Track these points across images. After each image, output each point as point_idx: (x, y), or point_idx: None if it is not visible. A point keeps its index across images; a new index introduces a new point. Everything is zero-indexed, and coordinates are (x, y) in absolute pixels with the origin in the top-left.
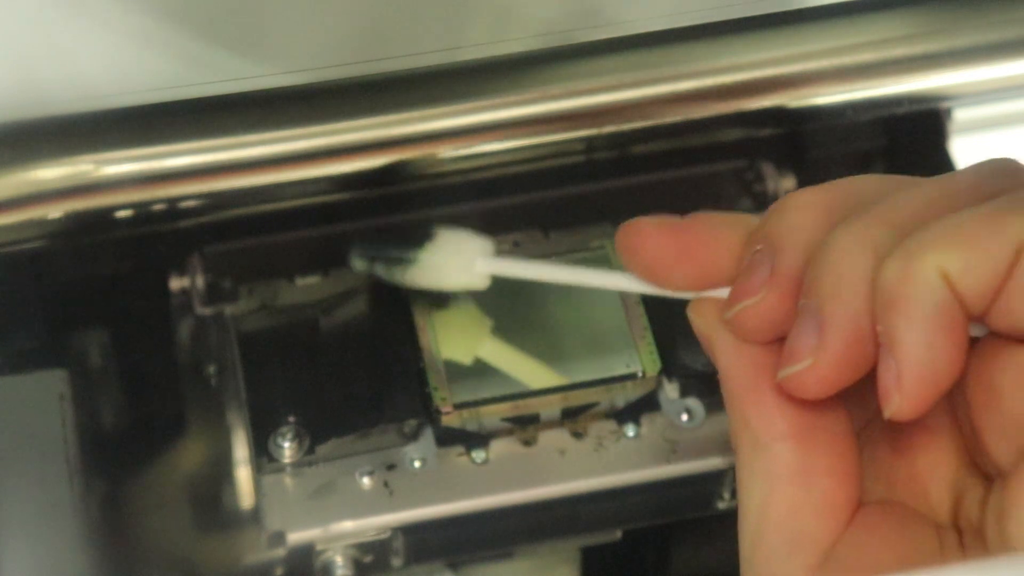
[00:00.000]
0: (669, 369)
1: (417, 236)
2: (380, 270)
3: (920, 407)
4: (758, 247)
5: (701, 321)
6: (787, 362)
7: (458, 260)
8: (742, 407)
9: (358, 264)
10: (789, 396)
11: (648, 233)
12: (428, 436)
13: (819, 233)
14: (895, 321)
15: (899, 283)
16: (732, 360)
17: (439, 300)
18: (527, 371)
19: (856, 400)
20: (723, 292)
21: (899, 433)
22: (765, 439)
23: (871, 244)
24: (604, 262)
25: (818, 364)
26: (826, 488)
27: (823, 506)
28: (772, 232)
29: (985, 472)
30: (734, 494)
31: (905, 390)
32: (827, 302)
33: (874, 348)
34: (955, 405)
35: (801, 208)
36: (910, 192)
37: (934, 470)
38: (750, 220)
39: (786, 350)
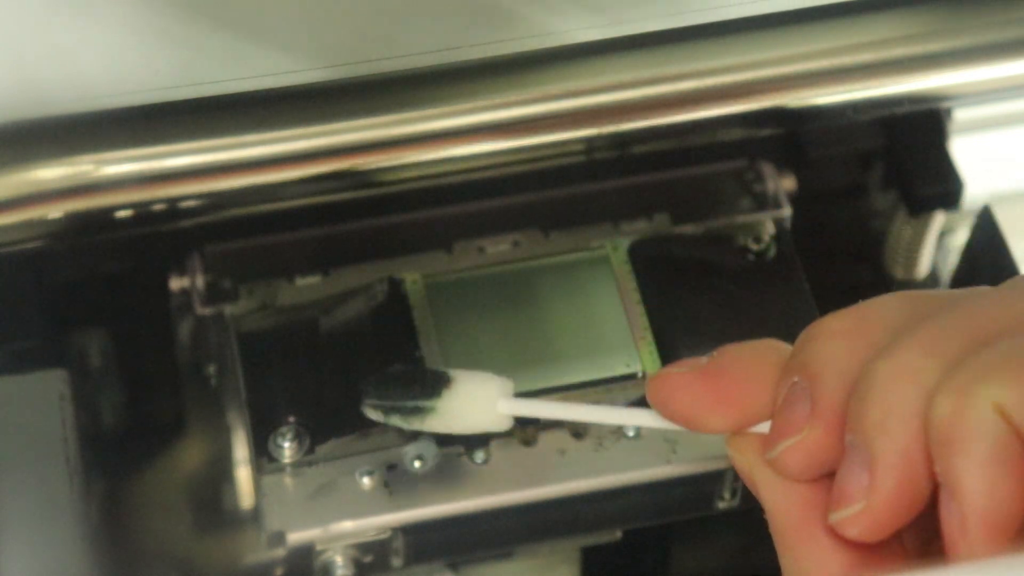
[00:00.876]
0: None
1: (433, 383)
2: (396, 420)
3: (987, 550)
4: (794, 379)
5: (741, 459)
6: (838, 505)
7: (478, 405)
8: (793, 548)
9: (372, 414)
10: (834, 507)
11: (678, 383)
12: (428, 436)
13: (856, 361)
14: (954, 462)
15: (955, 421)
16: (779, 499)
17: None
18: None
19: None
20: (764, 427)
21: None
22: None
23: (916, 374)
24: (604, 262)
25: (871, 506)
26: None
27: None
28: (807, 363)
29: None
30: (734, 494)
31: (971, 535)
32: (876, 439)
33: (928, 485)
34: None
35: (834, 335)
36: (945, 316)
37: None
38: (781, 347)
39: (835, 492)
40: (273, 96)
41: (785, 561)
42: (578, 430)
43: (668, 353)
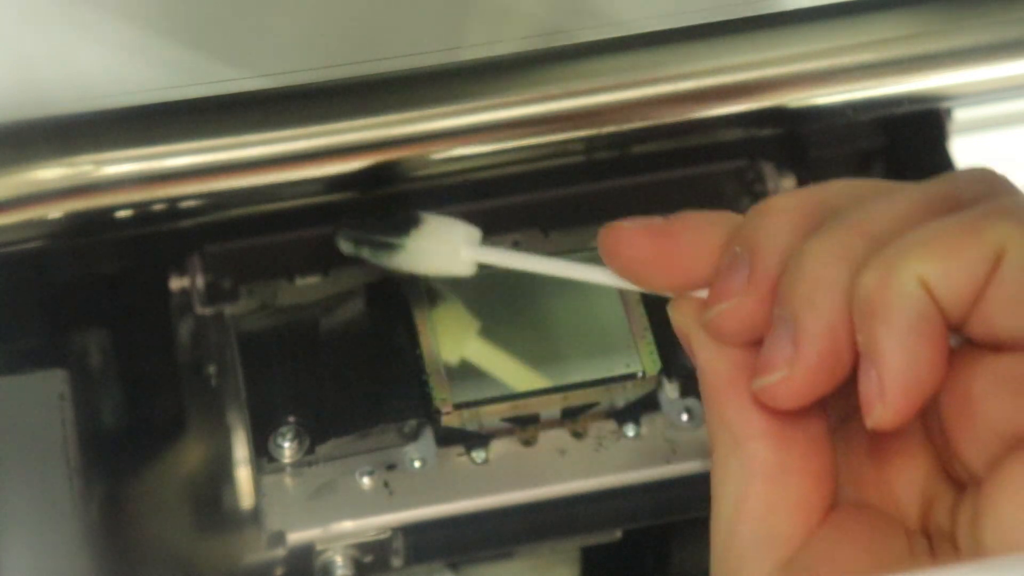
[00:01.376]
0: (669, 369)
1: (404, 222)
2: (366, 253)
3: (903, 417)
4: (736, 249)
5: (681, 320)
6: (761, 372)
7: (444, 247)
8: (719, 405)
9: (344, 246)
10: (758, 374)
11: (628, 236)
12: (428, 436)
13: (797, 239)
14: (876, 331)
15: (879, 292)
16: (710, 359)
17: (436, 300)
18: (512, 373)
19: (831, 399)
20: (704, 293)
21: (871, 437)
22: (742, 437)
23: (846, 253)
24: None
25: (793, 375)
26: (801, 487)
27: (797, 505)
28: (750, 236)
29: (956, 479)
30: None
31: (888, 400)
32: (801, 312)
33: (850, 358)
34: (927, 412)
35: (780, 212)
36: (887, 200)
37: (904, 475)
38: (732, 219)
39: (760, 360)
40: (273, 96)
41: (711, 418)
42: (578, 430)
43: (668, 353)
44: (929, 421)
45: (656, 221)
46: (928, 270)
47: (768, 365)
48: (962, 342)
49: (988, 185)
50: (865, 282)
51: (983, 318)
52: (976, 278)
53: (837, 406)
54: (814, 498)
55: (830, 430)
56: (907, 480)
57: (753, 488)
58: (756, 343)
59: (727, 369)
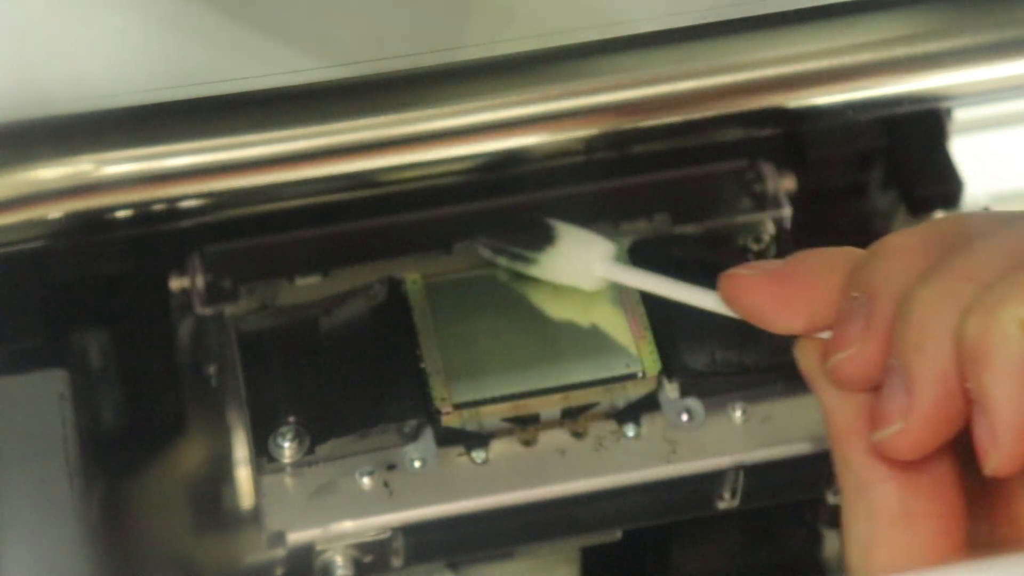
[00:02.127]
0: (669, 369)
1: (542, 234)
2: (503, 261)
3: (1019, 462)
4: (854, 295)
5: (805, 363)
6: (879, 425)
7: (578, 263)
8: (844, 450)
9: (484, 252)
10: (875, 427)
11: (747, 283)
12: (428, 436)
13: (913, 281)
14: (983, 377)
15: (981, 337)
16: (834, 404)
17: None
18: (636, 348)
19: (961, 435)
20: (829, 334)
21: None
22: (867, 481)
23: (953, 298)
24: None
25: (910, 426)
26: (929, 530)
27: (927, 548)
28: (867, 279)
29: None
30: (734, 494)
31: (1001, 447)
32: (913, 360)
33: (965, 404)
34: None
35: (895, 253)
36: (993, 240)
37: None
38: (851, 257)
39: (876, 412)
40: (273, 96)
41: (837, 461)
42: (578, 430)
43: (668, 353)
44: None
45: (774, 266)
46: None
47: (885, 417)
48: None
49: None
50: (969, 328)
51: None
52: None
53: (967, 442)
54: (944, 540)
55: (959, 470)
56: None
57: (881, 532)
58: (879, 387)
59: (851, 413)
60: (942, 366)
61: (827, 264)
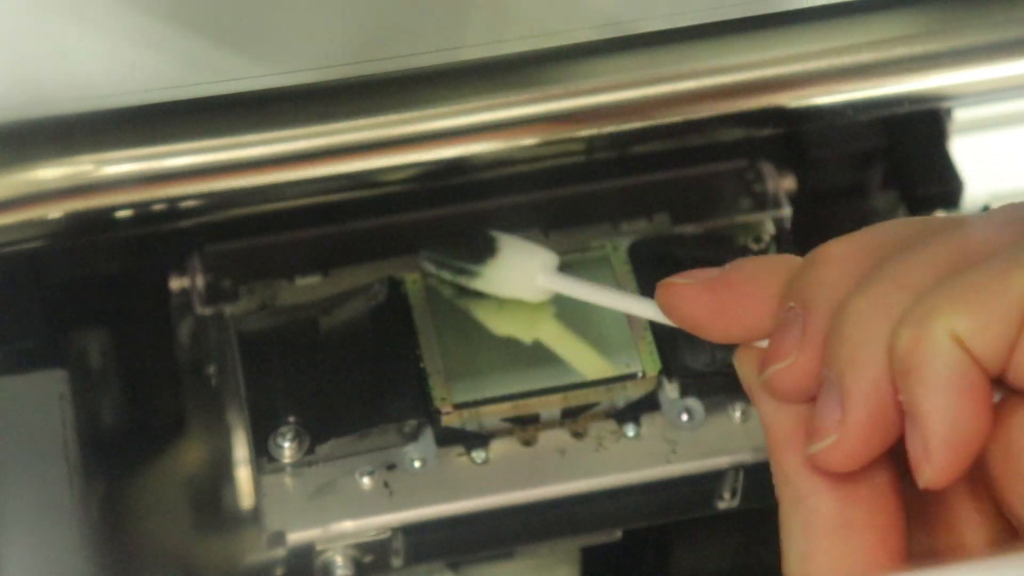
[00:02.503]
0: (669, 369)
1: (483, 247)
2: (446, 275)
3: (952, 475)
4: (790, 304)
5: (743, 372)
6: (813, 438)
7: (520, 275)
8: (781, 461)
9: (426, 266)
10: (810, 440)
11: (684, 292)
12: (428, 436)
13: (847, 290)
14: (914, 390)
15: (912, 350)
16: (772, 414)
17: (436, 300)
18: (583, 360)
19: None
20: (766, 343)
21: None
22: (804, 492)
23: (885, 309)
24: (604, 262)
25: (843, 439)
26: (867, 540)
27: (865, 559)
28: (803, 288)
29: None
30: (734, 494)
31: (934, 461)
32: (845, 373)
33: (900, 416)
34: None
35: (831, 262)
36: (925, 247)
37: (969, 520)
38: (788, 264)
39: (810, 425)
40: (273, 96)
41: (775, 473)
42: (578, 430)
43: (668, 353)
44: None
45: (711, 274)
46: (959, 324)
47: (819, 431)
48: (1006, 394)
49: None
50: (900, 340)
51: (1020, 368)
52: (1008, 328)
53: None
54: (883, 550)
55: (896, 479)
56: (973, 526)
57: (818, 543)
58: (814, 397)
59: (788, 425)
60: (875, 378)
61: (764, 272)
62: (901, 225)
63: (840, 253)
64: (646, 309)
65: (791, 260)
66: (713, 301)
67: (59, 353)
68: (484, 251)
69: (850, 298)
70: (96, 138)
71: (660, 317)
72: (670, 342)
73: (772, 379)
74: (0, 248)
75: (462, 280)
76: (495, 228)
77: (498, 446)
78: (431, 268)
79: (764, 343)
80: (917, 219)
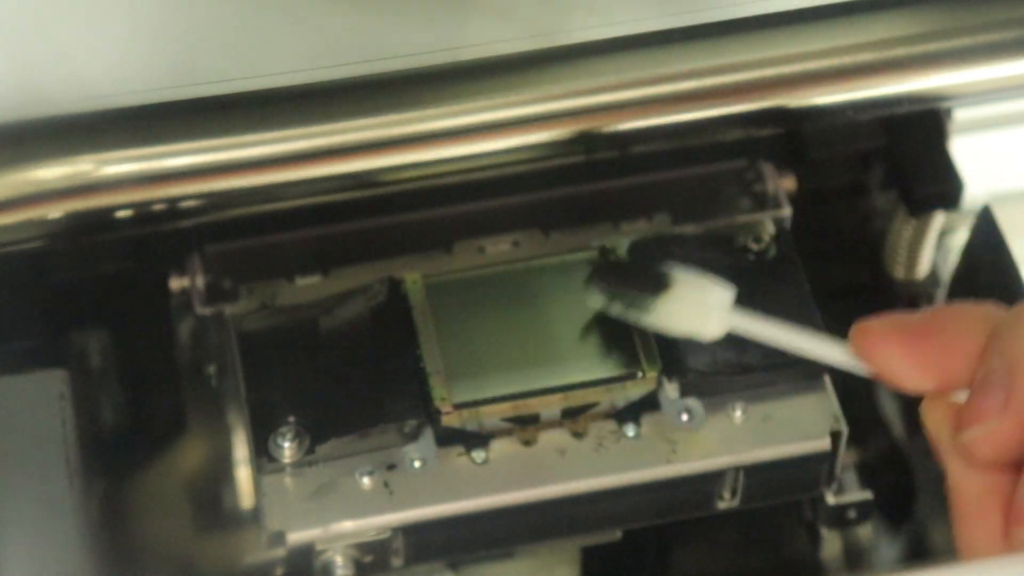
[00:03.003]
0: (669, 369)
1: (656, 279)
2: (617, 308)
3: None
4: (994, 363)
5: (933, 426)
6: (971, 422)
7: (696, 311)
8: (968, 528)
9: (595, 299)
10: (1018, 522)
11: (881, 336)
12: (428, 436)
13: None
14: None
15: None
16: (961, 478)
17: (436, 300)
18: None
19: None
20: (962, 395)
21: None
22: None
23: None
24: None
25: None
26: None
27: None
28: (1010, 347)
29: None
30: (734, 494)
31: None
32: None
33: None
34: None
35: None
36: None
37: None
38: (993, 315)
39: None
40: (273, 96)
41: (958, 536)
42: (578, 430)
43: (668, 353)
44: None
45: (911, 320)
46: None
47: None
48: None
49: None
50: None
51: None
52: None
53: None
54: None
55: None
56: None
57: None
58: (1011, 465)
59: (978, 492)
60: None
61: (968, 321)
62: None
63: None
64: (833, 352)
65: (995, 312)
66: (910, 347)
67: (59, 353)
68: (657, 285)
69: None
70: (96, 138)
71: (848, 363)
72: (670, 342)
73: (971, 443)
74: (0, 248)
75: (633, 314)
76: (672, 263)
77: (498, 446)
78: (600, 301)
79: (960, 395)
80: None
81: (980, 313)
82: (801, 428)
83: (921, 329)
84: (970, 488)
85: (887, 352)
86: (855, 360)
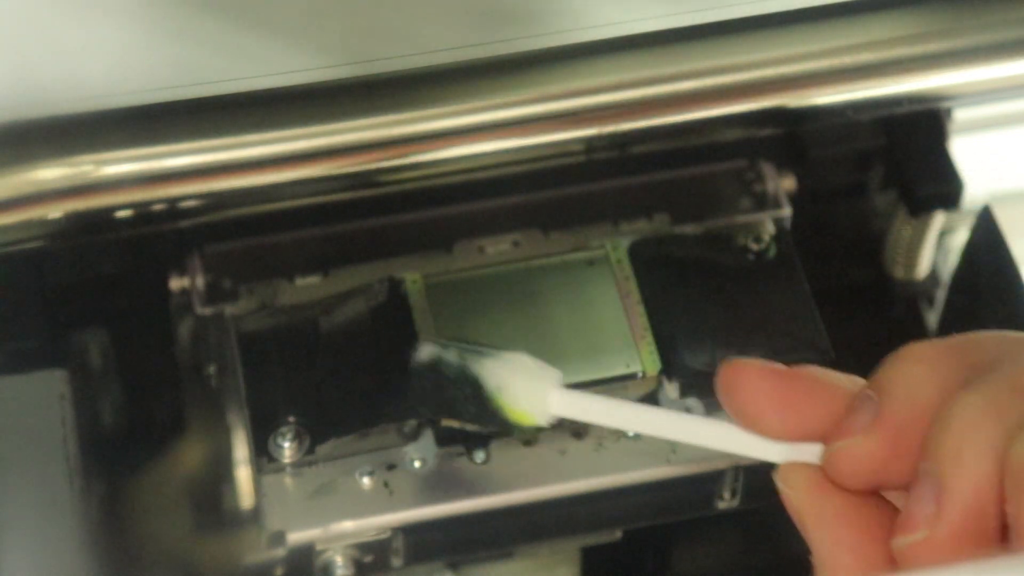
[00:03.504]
0: (669, 369)
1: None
2: (451, 355)
3: None
4: (867, 392)
5: (791, 490)
6: (902, 531)
7: (530, 381)
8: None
9: (426, 352)
10: (902, 531)
11: (750, 374)
12: (428, 436)
13: (932, 387)
14: None
15: None
16: (829, 547)
17: (436, 300)
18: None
19: None
20: (813, 453)
21: None
22: None
23: (1000, 413)
24: (603, 262)
25: (934, 537)
26: None
27: None
28: (881, 378)
29: None
30: (734, 494)
31: None
32: (949, 469)
33: (997, 524)
34: None
35: (915, 359)
36: None
37: None
38: (861, 383)
39: (902, 518)
40: (273, 96)
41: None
42: (578, 430)
43: (668, 353)
44: None
45: (780, 366)
46: None
47: (910, 524)
48: None
49: None
50: (1019, 448)
51: None
52: None
53: None
54: None
55: None
56: None
57: None
58: (872, 496)
59: (848, 561)
60: (979, 481)
61: (836, 377)
62: (999, 337)
63: (925, 353)
64: (680, 430)
65: (863, 381)
66: (777, 387)
67: (59, 353)
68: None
69: (961, 394)
70: (96, 138)
71: (699, 438)
72: (670, 342)
73: (834, 456)
74: (0, 248)
75: (470, 361)
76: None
77: (498, 446)
78: (430, 352)
79: (811, 452)
80: (1014, 334)
81: (852, 377)
82: None
83: (792, 372)
84: (839, 559)
85: (754, 388)
86: (715, 430)
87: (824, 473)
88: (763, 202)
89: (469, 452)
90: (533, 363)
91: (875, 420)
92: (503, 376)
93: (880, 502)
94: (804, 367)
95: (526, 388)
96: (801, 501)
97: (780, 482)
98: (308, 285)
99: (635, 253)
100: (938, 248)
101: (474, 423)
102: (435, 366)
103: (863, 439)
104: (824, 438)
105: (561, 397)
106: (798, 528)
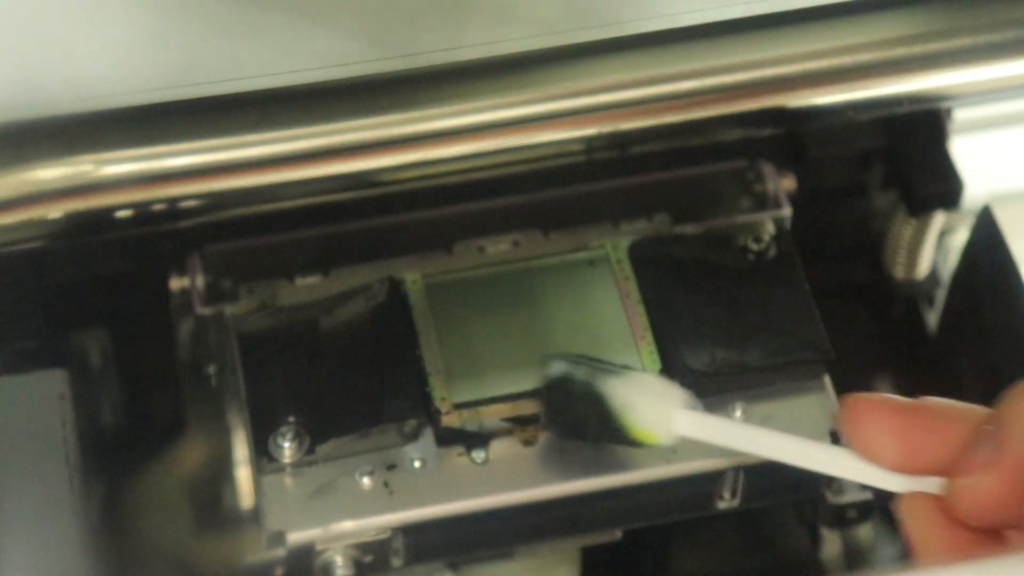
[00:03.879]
0: (669, 369)
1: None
2: (580, 372)
3: None
4: (987, 427)
5: (913, 523)
6: None
7: (655, 401)
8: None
9: (556, 366)
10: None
11: (872, 409)
12: (428, 436)
13: None
14: None
15: None
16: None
17: (436, 300)
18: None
19: None
20: (932, 484)
21: None
22: None
23: None
24: (603, 262)
25: None
26: None
27: None
28: (1002, 412)
29: None
30: (734, 494)
31: None
32: None
33: None
34: None
35: None
36: None
37: None
38: (980, 412)
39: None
40: (273, 96)
41: None
42: None
43: (668, 353)
44: None
45: (901, 399)
46: None
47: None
48: None
49: None
50: None
51: None
52: None
53: None
54: None
55: None
56: None
57: None
58: (994, 529)
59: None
60: None
61: (956, 409)
62: None
63: None
64: (802, 455)
65: (983, 409)
66: (899, 421)
67: (59, 353)
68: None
69: None
70: (96, 138)
71: (820, 464)
72: (670, 342)
73: (955, 494)
74: (0, 248)
75: (599, 379)
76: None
77: (498, 446)
78: (561, 367)
79: (930, 483)
80: None
81: (972, 406)
82: (801, 428)
83: (913, 406)
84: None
85: (877, 422)
86: (838, 458)
87: (945, 505)
88: (763, 202)
89: (469, 452)
90: (658, 383)
91: (992, 457)
92: (629, 395)
93: (999, 540)
94: (925, 399)
95: (651, 408)
96: (921, 533)
97: (902, 513)
98: (308, 285)
99: (635, 253)
100: (938, 248)
101: (598, 440)
102: (564, 382)
103: (983, 477)
104: (946, 471)
105: (686, 418)
106: (913, 557)
